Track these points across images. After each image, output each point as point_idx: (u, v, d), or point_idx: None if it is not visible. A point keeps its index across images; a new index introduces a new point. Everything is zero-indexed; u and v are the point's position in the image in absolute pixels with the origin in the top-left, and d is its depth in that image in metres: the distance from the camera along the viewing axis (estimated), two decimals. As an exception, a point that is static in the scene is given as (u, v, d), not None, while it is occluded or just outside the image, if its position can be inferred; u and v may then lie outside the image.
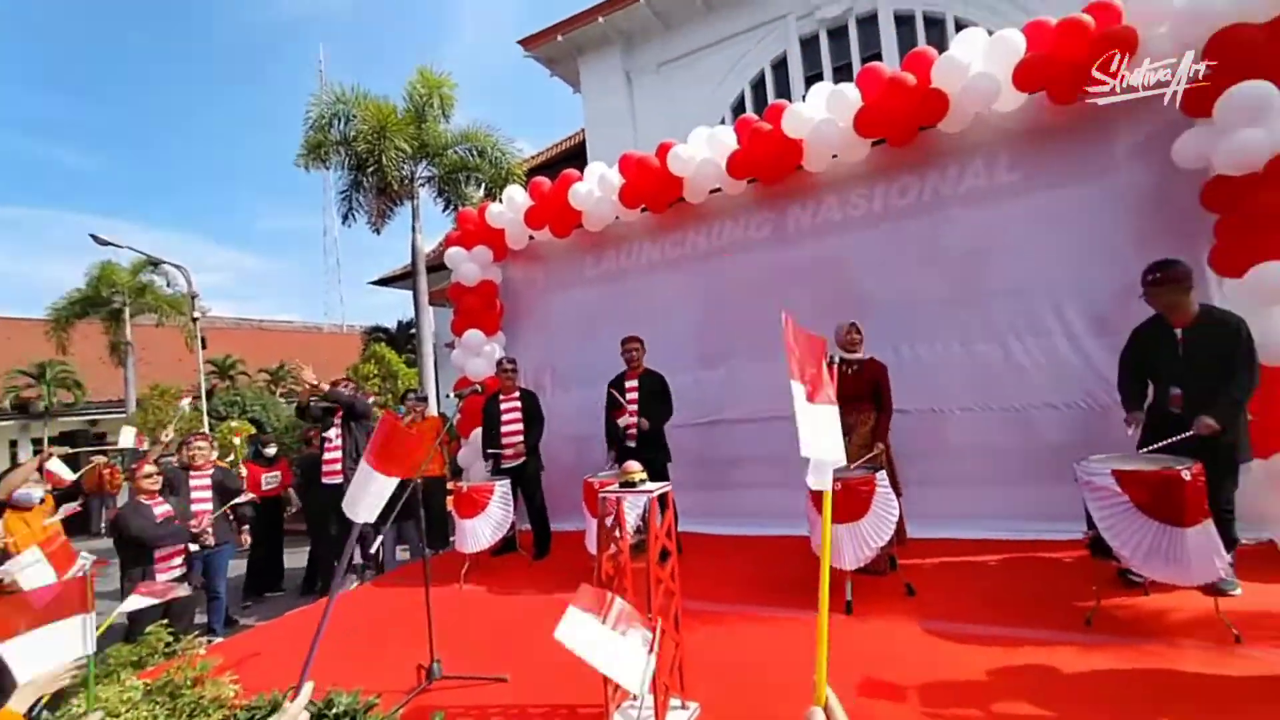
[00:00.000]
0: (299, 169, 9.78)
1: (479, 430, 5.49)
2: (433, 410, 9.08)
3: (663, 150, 4.92)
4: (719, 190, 5.02)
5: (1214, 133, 3.42)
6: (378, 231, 10.36)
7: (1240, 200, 3.37)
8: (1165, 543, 2.69)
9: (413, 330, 11.19)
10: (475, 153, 9.86)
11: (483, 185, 10.00)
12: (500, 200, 5.99)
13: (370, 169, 9.35)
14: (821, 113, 4.33)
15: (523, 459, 5.04)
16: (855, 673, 2.70)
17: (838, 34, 9.80)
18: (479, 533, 4.55)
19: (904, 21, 9.29)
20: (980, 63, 3.87)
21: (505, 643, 3.53)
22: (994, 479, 4.30)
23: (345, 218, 10.34)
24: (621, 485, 2.46)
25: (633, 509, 2.80)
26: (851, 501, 3.38)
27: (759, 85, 10.17)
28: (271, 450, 6.35)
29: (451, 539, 5.27)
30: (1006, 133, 4.25)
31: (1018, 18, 5.44)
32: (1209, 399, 2.98)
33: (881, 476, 3.44)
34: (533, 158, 14.14)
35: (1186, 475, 2.67)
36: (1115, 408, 3.47)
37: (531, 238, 5.91)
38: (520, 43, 11.37)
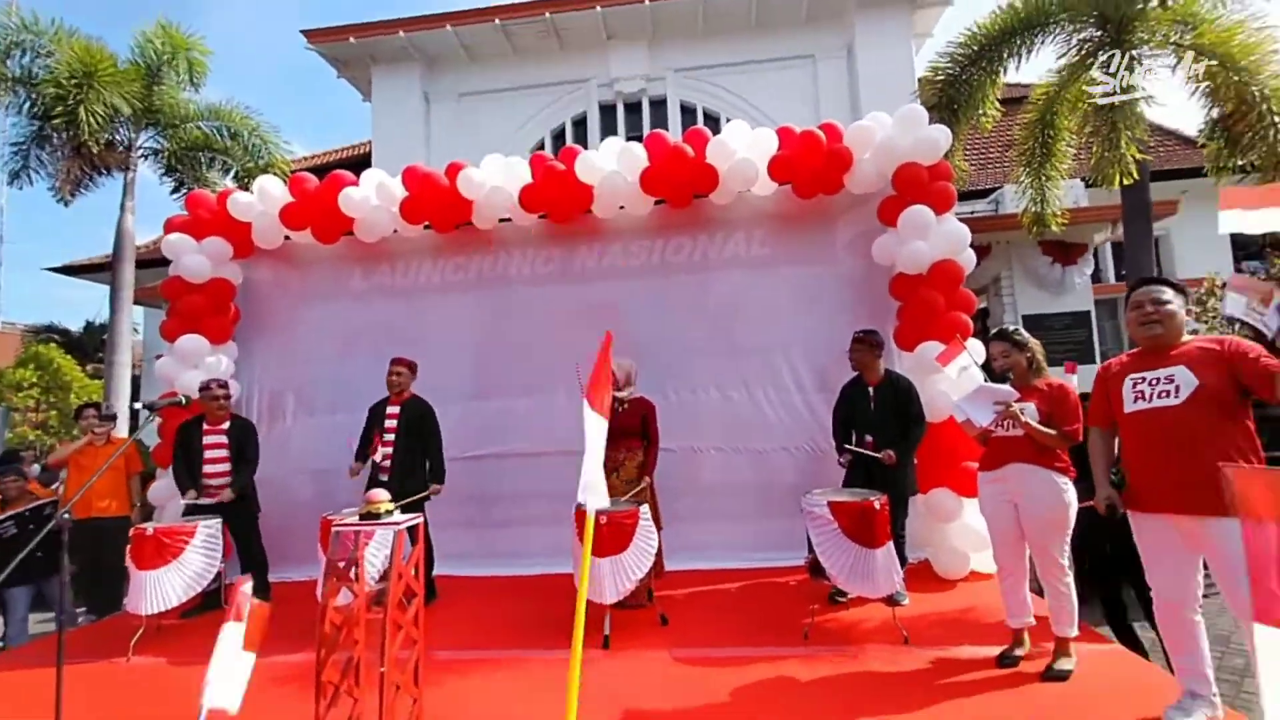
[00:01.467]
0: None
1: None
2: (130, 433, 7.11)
3: (453, 170, 4.71)
4: (509, 220, 4.95)
5: (898, 240, 4.41)
6: (65, 202, 8.01)
7: (912, 293, 4.37)
8: (861, 562, 3.24)
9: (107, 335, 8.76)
10: (226, 134, 8.31)
11: (233, 173, 8.43)
12: (251, 191, 5.09)
13: (59, 120, 7.25)
14: (612, 165, 4.60)
15: (229, 497, 4.13)
16: (611, 705, 2.69)
17: (633, 108, 10.78)
18: (164, 587, 3.55)
19: (688, 111, 10.59)
20: (744, 150, 4.51)
21: (186, 728, 2.76)
22: (738, 513, 4.77)
23: (16, 176, 7.82)
24: (363, 518, 2.12)
25: (379, 547, 2.45)
26: (615, 535, 3.44)
27: (560, 136, 10.58)
28: None
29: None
30: (762, 213, 4.98)
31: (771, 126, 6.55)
32: (892, 443, 3.76)
33: (645, 511, 3.57)
34: (306, 158, 12.61)
35: (877, 505, 3.27)
36: (833, 451, 4.12)
37: (287, 238, 5.12)
38: (305, 33, 10.23)
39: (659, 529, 3.99)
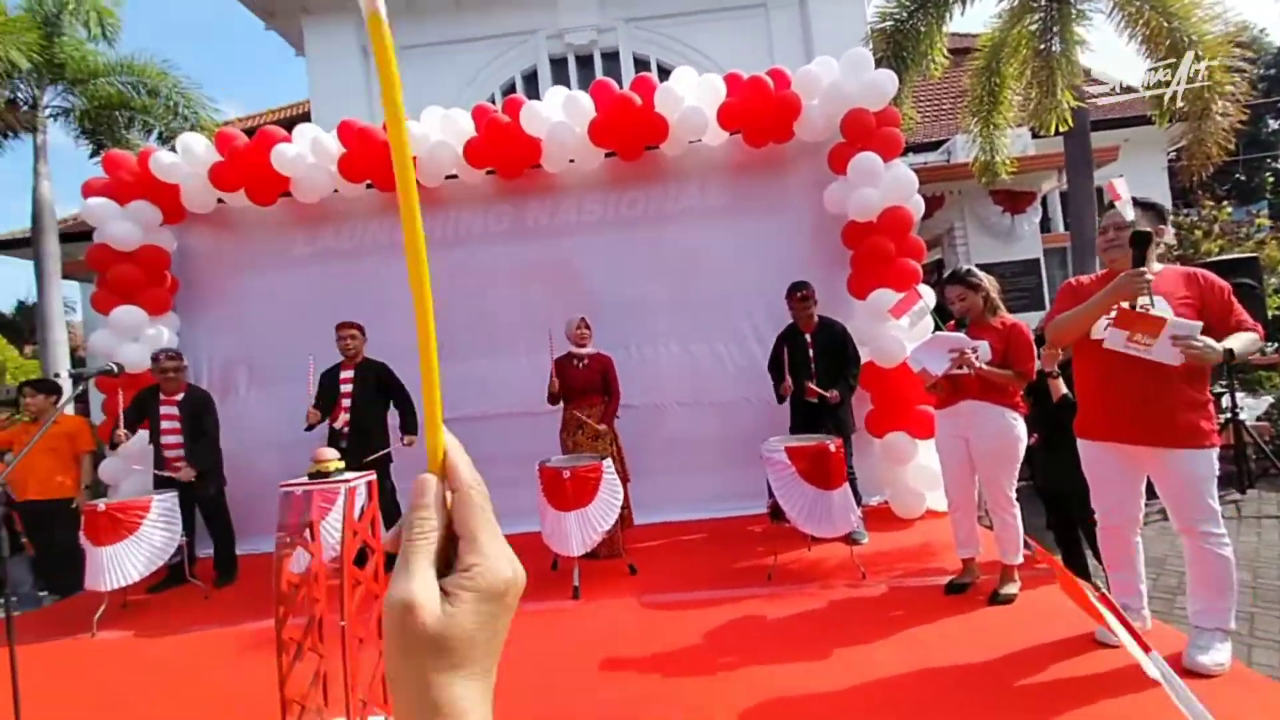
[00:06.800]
0: None
1: (138, 436, 4.26)
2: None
3: (391, 123, 4.49)
4: (455, 177, 4.78)
5: (848, 187, 4.42)
6: (-30, 168, 7.40)
7: (863, 241, 4.42)
8: (819, 503, 3.35)
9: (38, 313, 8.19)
10: (142, 90, 7.67)
11: (156, 133, 7.85)
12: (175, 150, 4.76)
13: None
14: (559, 115, 4.46)
15: (188, 476, 4.03)
16: (587, 650, 2.79)
17: (586, 62, 10.41)
18: (123, 563, 3.47)
19: (642, 64, 10.28)
20: (692, 98, 4.43)
21: (153, 694, 2.74)
22: (703, 465, 4.87)
23: (-93, 139, 7.16)
24: (311, 477, 2.08)
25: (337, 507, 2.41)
26: (580, 489, 3.48)
27: (510, 92, 10.18)
28: None
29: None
30: (715, 163, 4.93)
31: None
32: (831, 384, 3.92)
33: (608, 464, 3.61)
34: (242, 119, 11.88)
35: (832, 447, 3.37)
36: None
37: (221, 201, 4.85)
38: (224, -21, 9.46)
39: (625, 482, 4.06)
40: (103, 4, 7.54)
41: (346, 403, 4.07)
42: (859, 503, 4.02)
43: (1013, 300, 8.83)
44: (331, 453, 2.13)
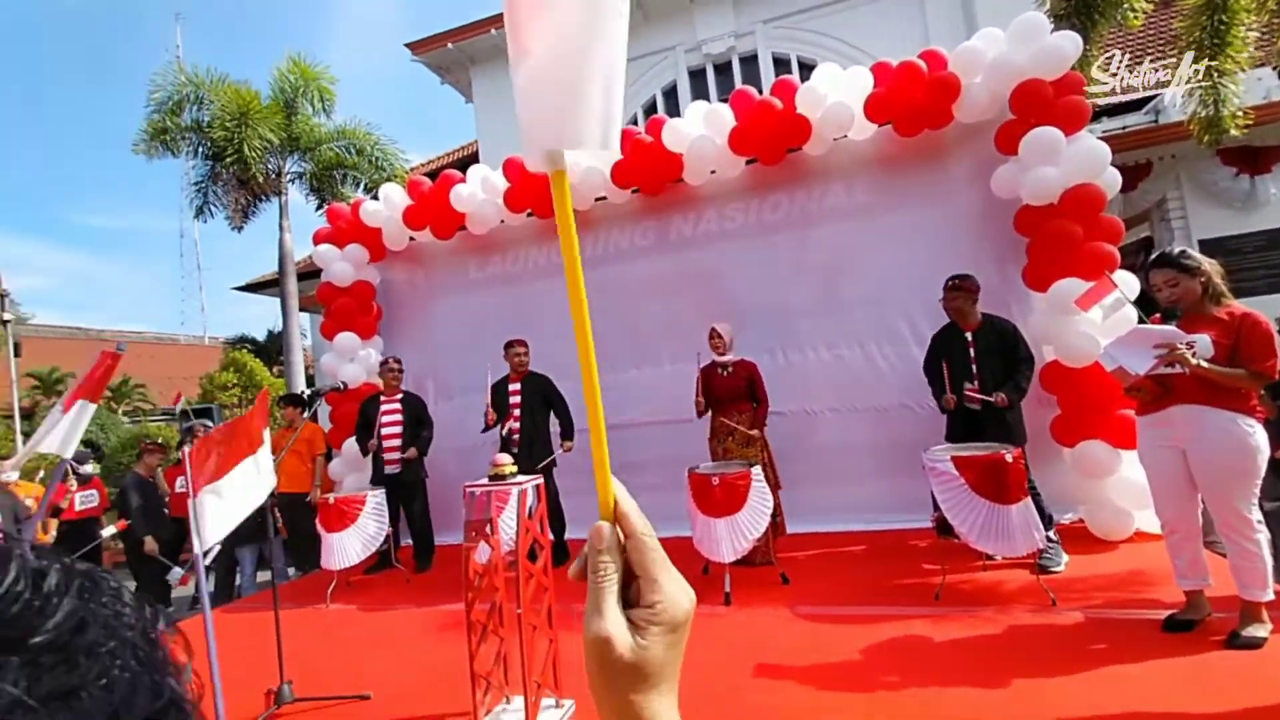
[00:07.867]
0: (141, 157, 8.72)
1: (352, 440, 5.13)
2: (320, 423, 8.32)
3: (547, 155, 4.92)
4: (604, 198, 5.09)
5: (1020, 169, 3.97)
6: (239, 229, 9.44)
7: (1041, 227, 3.93)
8: (995, 519, 3.04)
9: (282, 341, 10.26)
10: (353, 151, 9.29)
11: (362, 185, 9.43)
12: (378, 199, 5.69)
13: (230, 159, 8.50)
14: (700, 129, 4.56)
15: (400, 467, 4.75)
16: (741, 657, 2.80)
17: (723, 69, 10.45)
18: (347, 547, 4.21)
19: (781, 64, 10.08)
20: (836, 94, 4.26)
21: (372, 659, 3.28)
22: (858, 474, 4.64)
23: (199, 211, 9.33)
24: (491, 479, 2.37)
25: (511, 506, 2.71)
26: (729, 496, 3.51)
27: (651, 109, 10.56)
28: (88, 468, 5.62)
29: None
30: (862, 159, 4.70)
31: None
32: (998, 388, 3.52)
33: (757, 471, 3.59)
34: (423, 165, 13.64)
35: (1009, 458, 3.04)
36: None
37: (411, 239, 5.66)
38: (408, 46, 11.00)
39: (777, 489, 4.01)
40: (324, 85, 9.26)
41: (516, 412, 4.50)
42: (1050, 524, 3.56)
43: (1257, 280, 7.27)
44: (507, 458, 2.41)
